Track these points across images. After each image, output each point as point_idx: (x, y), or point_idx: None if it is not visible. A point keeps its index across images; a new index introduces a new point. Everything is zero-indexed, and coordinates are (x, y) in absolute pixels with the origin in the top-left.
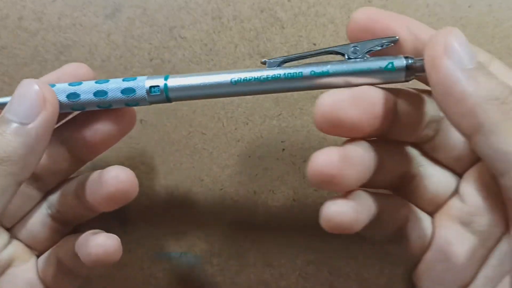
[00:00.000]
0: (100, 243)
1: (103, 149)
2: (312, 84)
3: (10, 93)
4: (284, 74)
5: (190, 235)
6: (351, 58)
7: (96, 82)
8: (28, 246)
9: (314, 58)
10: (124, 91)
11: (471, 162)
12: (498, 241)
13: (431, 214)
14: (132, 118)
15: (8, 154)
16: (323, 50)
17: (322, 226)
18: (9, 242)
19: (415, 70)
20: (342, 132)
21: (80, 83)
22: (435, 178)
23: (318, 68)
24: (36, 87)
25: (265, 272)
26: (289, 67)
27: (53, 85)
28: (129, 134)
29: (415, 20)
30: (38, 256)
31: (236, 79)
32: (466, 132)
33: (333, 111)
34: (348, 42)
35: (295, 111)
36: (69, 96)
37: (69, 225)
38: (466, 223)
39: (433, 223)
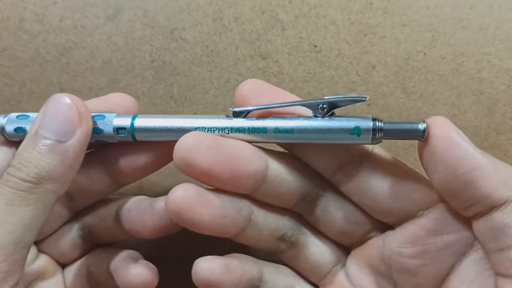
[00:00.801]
0: (140, 273)
1: (142, 176)
2: (276, 138)
3: (10, 94)
4: (248, 127)
5: (191, 237)
6: (317, 116)
7: None
8: (55, 259)
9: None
10: (93, 130)
11: (354, 238)
12: None
13: (317, 285)
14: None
15: (49, 173)
16: (291, 104)
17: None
18: (37, 256)
19: (383, 133)
20: (196, 176)
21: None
22: (315, 248)
23: (282, 124)
24: (69, 101)
25: None
26: (255, 118)
27: (26, 116)
28: None
29: (291, 94)
30: (62, 267)
31: (200, 127)
32: (497, 199)
33: (189, 152)
34: (348, 43)
35: None
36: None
37: (100, 243)
38: None
39: None
